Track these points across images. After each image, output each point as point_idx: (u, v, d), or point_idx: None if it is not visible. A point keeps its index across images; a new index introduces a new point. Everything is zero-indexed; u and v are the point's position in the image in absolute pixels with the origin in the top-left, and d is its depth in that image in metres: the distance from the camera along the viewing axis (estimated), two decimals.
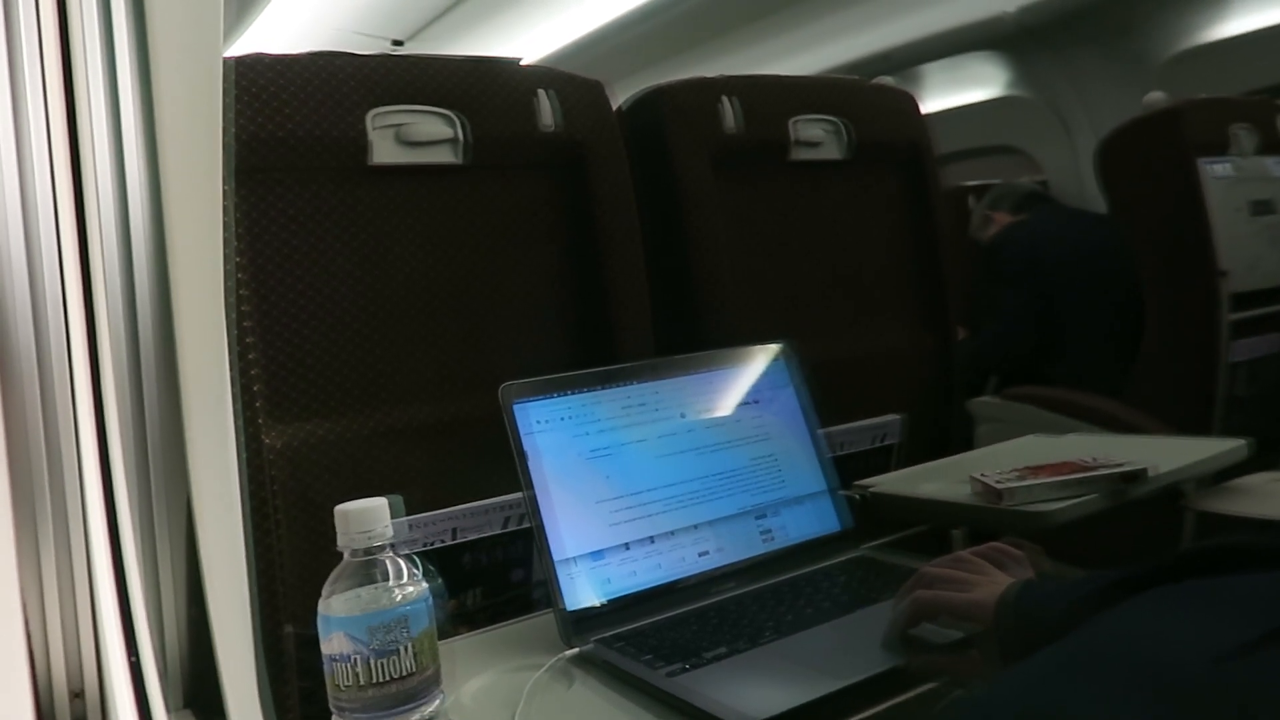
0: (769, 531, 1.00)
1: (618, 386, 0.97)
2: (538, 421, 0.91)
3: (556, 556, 0.87)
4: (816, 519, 1.03)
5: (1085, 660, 0.48)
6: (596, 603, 0.88)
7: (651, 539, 0.93)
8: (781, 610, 0.89)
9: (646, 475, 0.95)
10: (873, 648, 0.79)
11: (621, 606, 0.89)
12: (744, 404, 1.04)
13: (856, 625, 0.83)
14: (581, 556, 0.89)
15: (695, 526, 0.96)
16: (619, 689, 0.79)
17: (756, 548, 0.99)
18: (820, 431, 1.07)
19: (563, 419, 0.92)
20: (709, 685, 0.75)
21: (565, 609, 0.86)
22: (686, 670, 0.77)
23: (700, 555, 0.95)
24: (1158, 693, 0.43)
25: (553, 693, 0.79)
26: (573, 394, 0.94)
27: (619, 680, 0.80)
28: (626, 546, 0.91)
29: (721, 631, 0.85)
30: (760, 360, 1.07)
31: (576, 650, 0.85)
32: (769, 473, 1.02)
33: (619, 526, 0.92)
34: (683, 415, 0.99)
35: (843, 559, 1.01)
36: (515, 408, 0.90)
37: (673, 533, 0.94)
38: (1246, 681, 0.42)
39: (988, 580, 0.75)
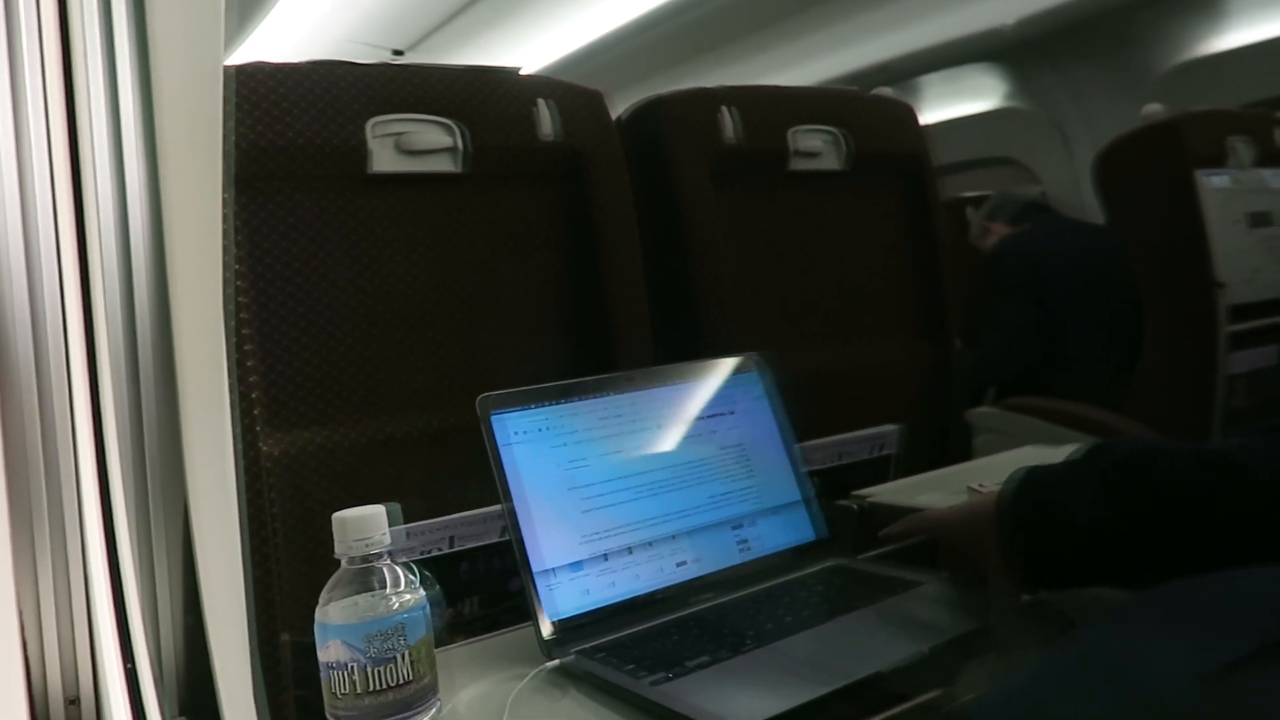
0: (745, 541, 1.00)
1: (595, 398, 0.96)
2: (515, 433, 0.90)
3: (535, 568, 0.87)
4: (793, 529, 1.03)
5: (1072, 679, 0.48)
6: (576, 614, 0.88)
7: (630, 550, 0.93)
8: (761, 619, 0.88)
9: (624, 486, 0.94)
10: (855, 653, 0.79)
11: (601, 618, 0.89)
12: (719, 415, 1.04)
13: (837, 632, 0.83)
14: (561, 568, 0.88)
15: (673, 537, 0.95)
16: (602, 700, 0.78)
17: (734, 557, 0.98)
18: (795, 444, 1.06)
19: (540, 430, 0.92)
20: (694, 693, 0.74)
21: (545, 620, 0.86)
22: (670, 679, 0.77)
23: (678, 565, 0.95)
24: (1143, 712, 0.44)
25: (535, 704, 0.78)
26: (550, 405, 0.93)
27: (602, 691, 0.79)
28: (605, 557, 0.91)
29: (703, 641, 0.84)
30: (735, 370, 1.07)
31: (557, 662, 0.84)
32: (745, 483, 1.02)
33: (597, 538, 0.91)
34: (659, 426, 0.99)
35: (819, 568, 1.01)
36: (493, 419, 0.89)
37: (650, 543, 0.94)
38: (1230, 701, 0.42)
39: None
